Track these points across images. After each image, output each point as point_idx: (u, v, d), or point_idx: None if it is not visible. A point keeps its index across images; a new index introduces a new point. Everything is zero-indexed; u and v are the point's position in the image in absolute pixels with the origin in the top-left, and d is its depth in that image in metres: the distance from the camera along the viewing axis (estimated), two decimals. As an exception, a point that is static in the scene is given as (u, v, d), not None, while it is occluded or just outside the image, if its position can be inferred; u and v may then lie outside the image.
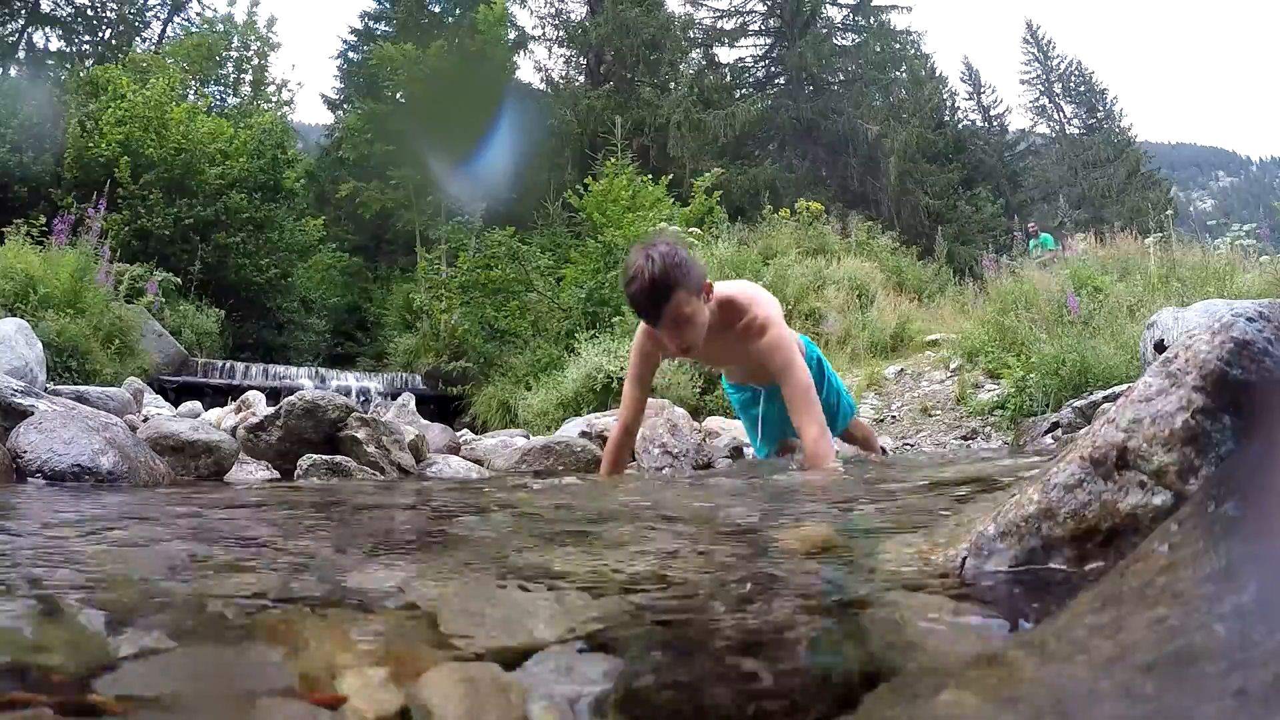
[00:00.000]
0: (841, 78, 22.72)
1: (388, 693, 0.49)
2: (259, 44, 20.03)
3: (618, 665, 0.55)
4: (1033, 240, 11.64)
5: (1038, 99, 32.44)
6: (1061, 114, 31.82)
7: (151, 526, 1.19)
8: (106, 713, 0.45)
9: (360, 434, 2.25)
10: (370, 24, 22.64)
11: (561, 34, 22.15)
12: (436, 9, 22.12)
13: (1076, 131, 30.74)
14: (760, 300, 2.14)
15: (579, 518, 1.38)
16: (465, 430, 5.96)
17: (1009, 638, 0.57)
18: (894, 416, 5.90)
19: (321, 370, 11.11)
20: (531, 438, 3.61)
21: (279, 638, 0.59)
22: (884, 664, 0.55)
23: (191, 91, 17.09)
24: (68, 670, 0.50)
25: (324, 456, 2.09)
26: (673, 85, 21.99)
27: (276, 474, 2.19)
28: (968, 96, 31.27)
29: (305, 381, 9.57)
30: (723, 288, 2.12)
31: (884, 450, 3.26)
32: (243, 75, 19.83)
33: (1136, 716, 0.34)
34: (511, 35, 20.94)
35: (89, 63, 18.26)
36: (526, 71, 25.87)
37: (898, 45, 23.32)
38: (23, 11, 18.63)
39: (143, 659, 0.54)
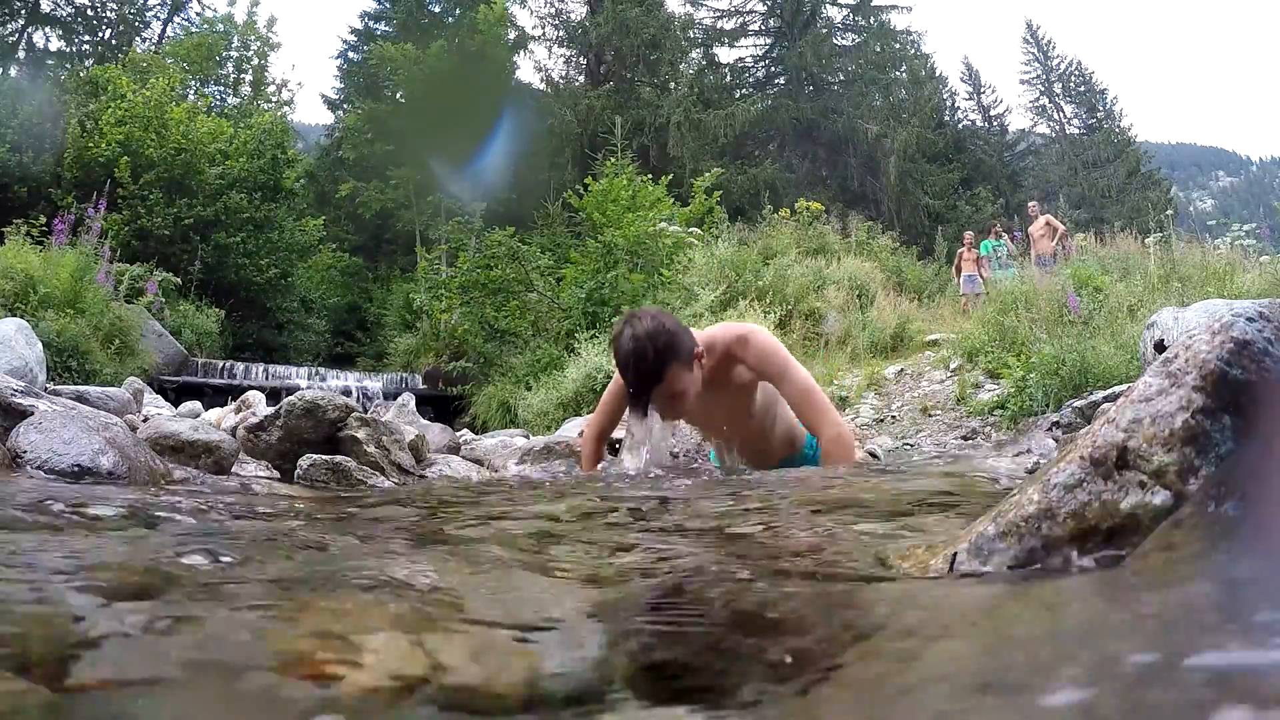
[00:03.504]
0: (841, 78, 22.71)
1: (407, 656, 0.50)
2: (259, 44, 20.04)
3: (619, 638, 0.56)
4: (991, 242, 11.09)
5: (1038, 99, 32.42)
6: (1061, 114, 31.79)
7: (154, 523, 1.19)
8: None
9: (360, 434, 2.25)
10: (370, 24, 22.66)
11: (561, 34, 22.15)
12: (436, 9, 22.13)
13: (1076, 131, 30.71)
14: (735, 324, 2.10)
15: (576, 518, 1.38)
16: (465, 430, 5.96)
17: (1007, 594, 0.57)
18: (894, 416, 5.90)
19: (321, 370, 11.11)
20: (531, 438, 3.61)
21: (290, 616, 0.60)
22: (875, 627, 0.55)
23: (191, 91, 17.11)
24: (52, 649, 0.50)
25: (324, 456, 2.09)
26: (673, 85, 21.99)
27: (276, 474, 2.19)
28: (968, 96, 31.26)
29: (305, 381, 9.57)
30: (701, 335, 2.02)
31: (873, 455, 3.24)
32: (243, 75, 19.84)
33: (1141, 647, 0.34)
34: (511, 35, 20.94)
35: (89, 63, 18.27)
36: (526, 71, 25.94)
37: (898, 45, 23.32)
38: (23, 11, 18.63)
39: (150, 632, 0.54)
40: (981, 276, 10.14)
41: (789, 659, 0.48)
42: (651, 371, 1.82)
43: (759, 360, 2.00)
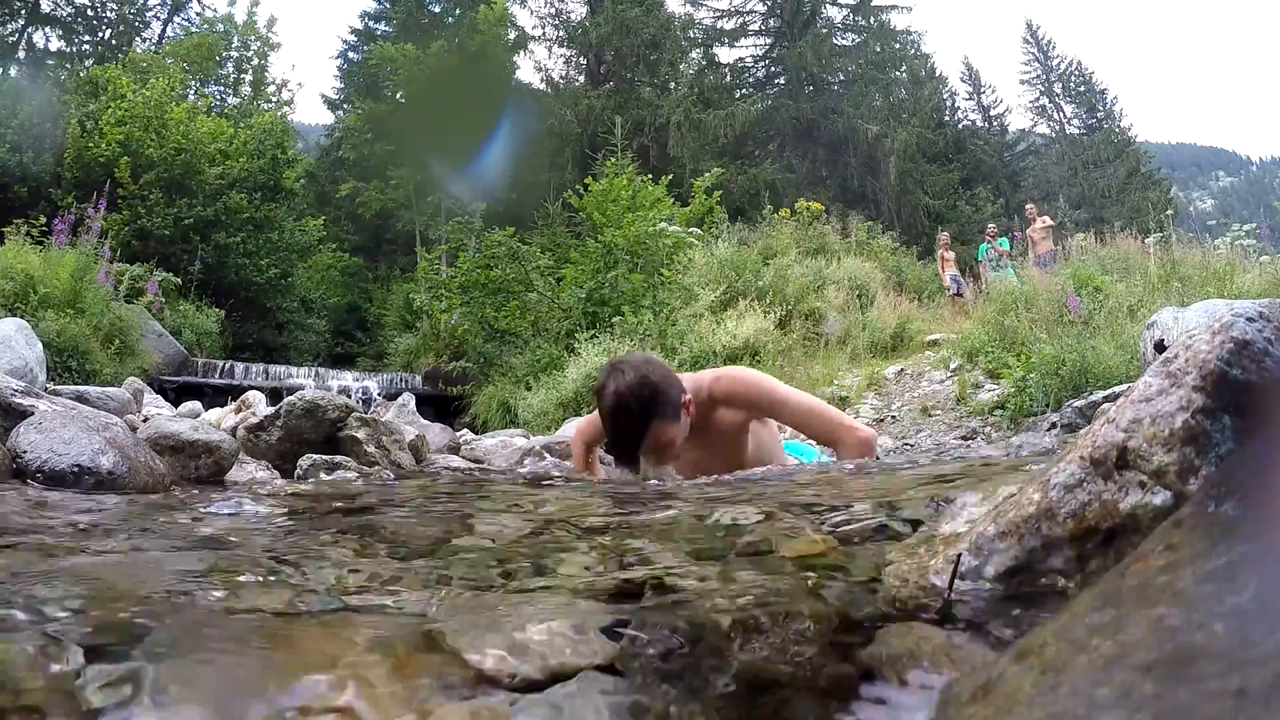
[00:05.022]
0: (841, 78, 22.71)
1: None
2: (259, 44, 20.06)
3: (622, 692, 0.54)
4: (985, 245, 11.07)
5: (1038, 99, 32.39)
6: (1061, 114, 31.77)
7: (150, 534, 1.19)
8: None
9: (360, 434, 2.25)
10: (370, 24, 22.69)
11: (561, 34, 22.15)
12: (436, 9, 22.15)
13: (1076, 131, 30.69)
14: (713, 369, 2.02)
15: (576, 523, 1.38)
16: (465, 430, 5.96)
17: (1008, 643, 0.57)
18: (894, 416, 5.90)
19: (321, 370, 11.11)
20: (531, 438, 3.61)
21: (280, 647, 0.59)
22: (880, 671, 0.54)
23: (191, 91, 17.12)
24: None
25: (324, 456, 2.09)
26: (673, 85, 21.99)
27: (276, 474, 2.19)
28: (968, 96, 31.22)
29: (306, 381, 9.57)
30: (688, 380, 1.92)
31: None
32: (243, 75, 19.86)
33: None
34: (511, 35, 20.95)
35: (89, 63, 18.28)
36: (526, 71, 25.97)
37: (898, 45, 23.32)
38: (23, 11, 18.63)
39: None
40: (970, 280, 10.19)
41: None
42: (637, 427, 1.75)
43: (748, 396, 1.91)
